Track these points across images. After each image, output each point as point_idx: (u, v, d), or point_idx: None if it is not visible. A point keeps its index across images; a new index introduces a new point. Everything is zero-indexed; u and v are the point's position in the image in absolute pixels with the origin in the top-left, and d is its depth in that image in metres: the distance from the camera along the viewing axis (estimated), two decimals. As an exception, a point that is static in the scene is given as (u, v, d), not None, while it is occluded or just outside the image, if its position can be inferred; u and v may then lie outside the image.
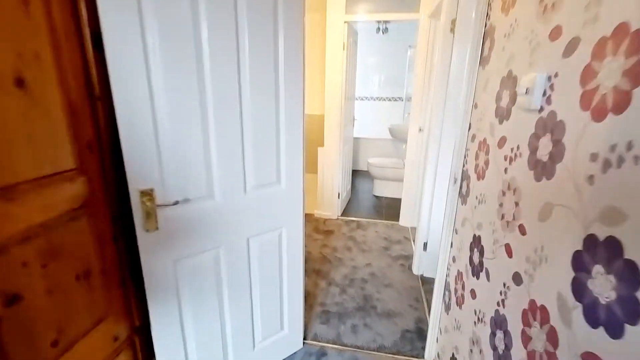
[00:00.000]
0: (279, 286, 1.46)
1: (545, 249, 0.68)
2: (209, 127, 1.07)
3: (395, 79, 5.13)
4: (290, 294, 1.50)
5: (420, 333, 1.80)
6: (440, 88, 2.06)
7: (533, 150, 0.74)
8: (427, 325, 1.86)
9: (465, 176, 1.24)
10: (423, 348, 1.68)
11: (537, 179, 0.71)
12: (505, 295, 0.84)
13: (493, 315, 0.90)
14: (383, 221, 3.28)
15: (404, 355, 1.66)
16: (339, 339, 1.75)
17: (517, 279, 0.78)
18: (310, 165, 3.30)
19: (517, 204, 0.80)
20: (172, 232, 1.07)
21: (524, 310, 0.74)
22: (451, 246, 1.37)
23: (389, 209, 3.65)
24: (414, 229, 3.07)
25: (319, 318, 1.90)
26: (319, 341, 1.74)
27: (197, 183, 1.09)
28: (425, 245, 2.29)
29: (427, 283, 2.25)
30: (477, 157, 1.12)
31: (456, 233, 1.31)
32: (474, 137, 1.17)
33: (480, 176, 1.07)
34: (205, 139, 1.07)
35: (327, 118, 3.06)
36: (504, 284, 0.85)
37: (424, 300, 2.09)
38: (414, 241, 2.83)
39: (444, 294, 1.44)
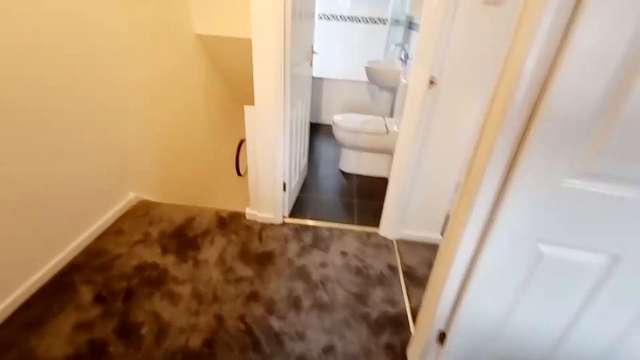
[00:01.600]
0: None
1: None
2: None
3: (375, -11, 3.52)
4: None
5: None
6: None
7: None
8: None
9: None
10: None
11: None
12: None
13: None
14: (354, 227, 2.07)
15: None
16: None
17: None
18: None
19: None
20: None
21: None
22: None
23: (364, 200, 2.43)
24: (404, 246, 1.90)
25: None
26: None
27: None
28: (442, 336, 1.13)
29: (441, 405, 1.15)
30: None
31: None
32: None
33: None
34: None
35: (257, 54, 1.60)
36: None
37: None
38: (404, 274, 1.68)
39: None
